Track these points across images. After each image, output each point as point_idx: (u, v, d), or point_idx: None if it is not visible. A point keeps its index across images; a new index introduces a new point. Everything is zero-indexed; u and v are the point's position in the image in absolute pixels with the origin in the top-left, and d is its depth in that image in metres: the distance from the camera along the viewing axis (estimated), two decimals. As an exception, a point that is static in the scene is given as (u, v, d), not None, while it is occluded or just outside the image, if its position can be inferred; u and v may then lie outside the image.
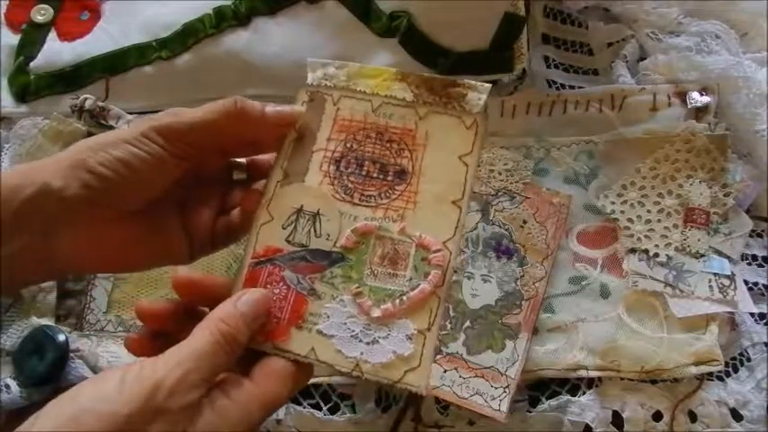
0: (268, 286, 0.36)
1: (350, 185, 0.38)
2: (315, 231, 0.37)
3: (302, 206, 0.38)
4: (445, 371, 0.52)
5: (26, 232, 0.36)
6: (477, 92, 0.38)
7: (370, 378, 0.35)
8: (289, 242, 0.37)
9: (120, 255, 0.39)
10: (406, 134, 0.39)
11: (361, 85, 0.40)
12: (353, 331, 0.36)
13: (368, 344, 0.35)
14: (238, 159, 0.42)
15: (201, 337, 0.32)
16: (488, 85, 0.38)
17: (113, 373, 0.30)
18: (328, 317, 0.36)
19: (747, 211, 0.56)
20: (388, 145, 0.39)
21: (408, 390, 0.34)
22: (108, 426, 0.28)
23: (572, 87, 0.61)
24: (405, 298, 0.36)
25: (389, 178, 0.38)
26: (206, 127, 0.37)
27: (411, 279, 0.36)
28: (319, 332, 0.36)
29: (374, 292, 0.36)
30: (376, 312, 0.36)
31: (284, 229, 0.38)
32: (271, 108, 0.38)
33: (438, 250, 0.36)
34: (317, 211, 0.38)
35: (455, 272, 0.54)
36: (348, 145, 0.39)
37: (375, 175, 0.38)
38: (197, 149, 0.38)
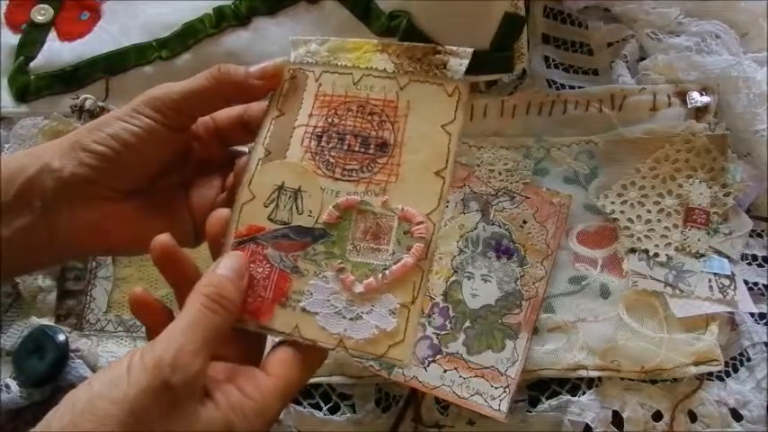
0: (252, 265, 0.36)
1: (331, 160, 0.37)
2: (297, 208, 0.37)
3: (283, 183, 0.37)
4: (445, 371, 0.52)
5: (28, 212, 0.37)
6: (459, 57, 0.37)
7: (354, 354, 0.34)
8: (271, 220, 0.37)
9: (121, 235, 0.39)
10: (387, 105, 0.38)
11: (343, 59, 0.39)
12: (337, 307, 0.35)
13: (351, 320, 0.35)
14: (241, 147, 0.42)
15: (190, 307, 0.32)
16: (470, 50, 0.37)
17: (122, 359, 0.30)
18: (311, 294, 0.36)
19: (747, 211, 0.56)
20: (369, 117, 0.38)
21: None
22: (120, 408, 0.29)
23: (572, 87, 0.60)
24: (387, 272, 0.35)
25: (371, 151, 0.37)
26: (194, 94, 0.38)
27: (394, 253, 0.36)
28: (303, 309, 0.35)
29: (357, 267, 0.36)
30: (358, 288, 0.35)
31: (266, 207, 0.37)
32: (254, 66, 0.39)
33: (420, 222, 0.36)
34: (299, 188, 0.37)
35: (455, 272, 0.54)
36: (329, 120, 0.38)
37: (357, 148, 0.37)
38: (188, 118, 0.39)
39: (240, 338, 0.36)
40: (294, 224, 0.37)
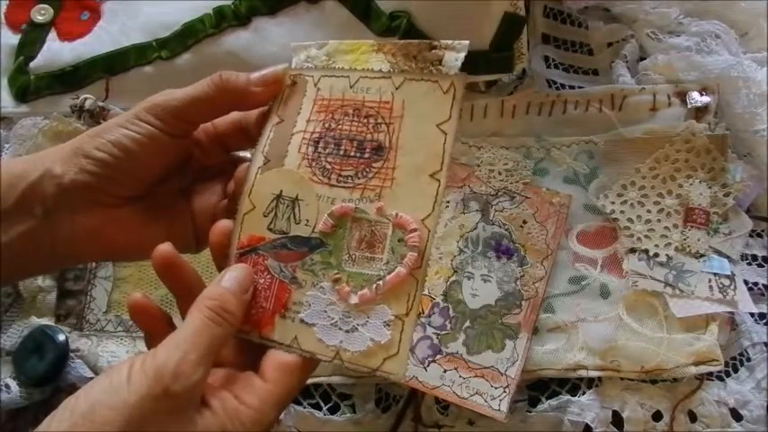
0: (254, 276, 0.36)
1: (327, 166, 0.37)
2: (294, 217, 0.37)
3: (281, 192, 0.37)
4: (445, 371, 0.52)
5: (29, 218, 0.37)
6: (455, 51, 0.36)
7: (350, 366, 0.34)
8: (270, 230, 0.37)
9: (122, 241, 0.39)
10: (382, 107, 0.37)
11: (340, 61, 0.38)
12: (333, 319, 0.35)
13: (347, 332, 0.35)
14: (242, 153, 0.42)
15: (193, 318, 0.33)
16: (465, 43, 0.36)
17: (122, 365, 0.31)
18: (310, 305, 0.35)
19: (747, 211, 0.56)
20: (365, 121, 0.37)
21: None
22: (120, 415, 0.29)
23: (572, 87, 0.60)
24: (381, 283, 0.35)
25: (366, 155, 0.36)
26: (195, 101, 0.38)
27: (388, 262, 0.35)
28: (302, 321, 0.35)
29: (352, 277, 0.35)
30: (353, 299, 0.35)
31: (265, 216, 0.37)
32: (254, 73, 0.39)
33: (414, 230, 0.35)
34: (296, 196, 0.37)
35: (455, 272, 0.54)
36: (326, 125, 0.37)
37: (352, 153, 0.37)
38: (189, 125, 0.39)
39: (239, 343, 0.36)
40: (292, 234, 0.36)
